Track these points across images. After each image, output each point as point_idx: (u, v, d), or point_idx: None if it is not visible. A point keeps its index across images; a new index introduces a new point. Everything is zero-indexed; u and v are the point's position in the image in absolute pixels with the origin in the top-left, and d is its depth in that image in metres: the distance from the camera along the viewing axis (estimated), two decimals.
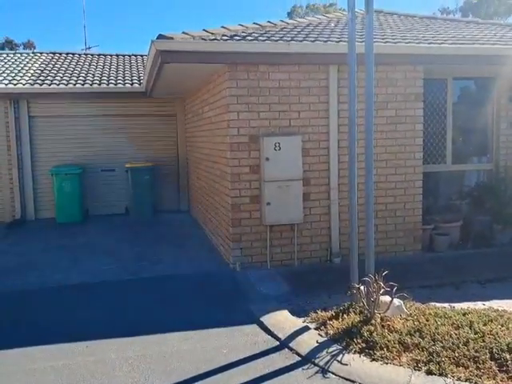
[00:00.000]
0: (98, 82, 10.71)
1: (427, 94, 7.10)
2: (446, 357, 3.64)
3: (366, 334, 4.00)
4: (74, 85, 10.40)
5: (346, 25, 7.90)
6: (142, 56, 13.88)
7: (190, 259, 6.99)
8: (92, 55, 14.17)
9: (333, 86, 6.35)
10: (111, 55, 14.05)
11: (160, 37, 5.99)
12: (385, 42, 6.47)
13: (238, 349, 4.12)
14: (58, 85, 10.33)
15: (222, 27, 6.82)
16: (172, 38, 5.94)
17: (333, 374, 3.64)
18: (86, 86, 10.41)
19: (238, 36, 6.40)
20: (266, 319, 4.59)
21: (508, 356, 3.60)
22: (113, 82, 10.79)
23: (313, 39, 6.46)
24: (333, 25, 8.09)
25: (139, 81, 10.92)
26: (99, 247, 7.91)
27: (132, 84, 10.76)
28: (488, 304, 4.90)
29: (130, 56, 14.08)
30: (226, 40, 6.15)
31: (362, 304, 4.40)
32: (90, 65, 12.45)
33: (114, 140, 10.91)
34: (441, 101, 7.49)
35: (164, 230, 9.21)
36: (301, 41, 6.32)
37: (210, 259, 6.97)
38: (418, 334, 3.98)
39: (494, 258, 6.64)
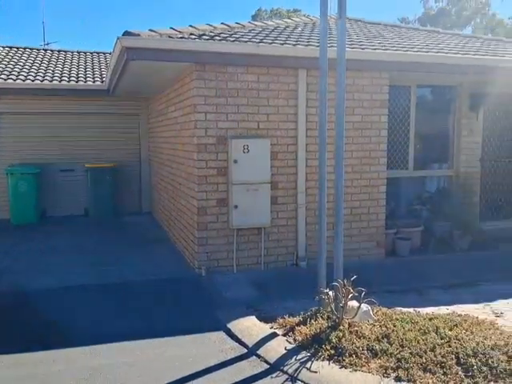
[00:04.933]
0: (58, 78, 10.31)
1: (392, 100, 7.21)
2: (414, 363, 3.65)
3: (334, 341, 3.97)
4: (33, 81, 9.97)
5: (313, 29, 8.00)
6: (104, 54, 13.52)
7: (153, 264, 6.79)
8: (52, 51, 13.65)
9: (302, 90, 6.33)
10: (72, 52, 13.60)
11: (126, 33, 5.81)
12: (352, 48, 6.51)
13: (204, 357, 4.00)
14: (15, 80, 9.87)
15: (190, 26, 6.70)
16: (138, 35, 5.78)
17: (302, 382, 3.58)
18: (46, 82, 10.00)
19: (207, 36, 6.30)
20: (233, 326, 4.50)
21: (473, 361, 3.65)
22: (74, 78, 10.42)
23: (282, 42, 6.43)
24: (300, 29, 8.10)
25: (101, 78, 10.60)
26: (53, 251, 7.55)
27: (94, 81, 10.43)
28: (451, 308, 4.98)
29: (91, 53, 13.66)
30: (194, 39, 6.04)
31: (329, 309, 4.37)
32: (49, 61, 12.00)
33: (74, 139, 10.55)
34: (404, 108, 7.63)
35: (125, 233, 8.95)
36: (270, 43, 6.28)
37: (175, 264, 6.80)
38: (385, 339, 3.98)
39: (454, 263, 6.79)
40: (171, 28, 6.41)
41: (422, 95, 7.99)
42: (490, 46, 8.45)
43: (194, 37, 6.18)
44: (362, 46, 6.77)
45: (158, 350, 4.15)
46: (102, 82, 10.29)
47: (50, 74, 10.50)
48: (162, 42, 5.78)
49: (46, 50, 13.75)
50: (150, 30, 6.10)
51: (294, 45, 6.35)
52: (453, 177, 7.99)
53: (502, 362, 3.66)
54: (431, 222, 7.68)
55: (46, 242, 8.20)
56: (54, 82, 10.06)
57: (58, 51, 13.58)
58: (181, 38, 6.05)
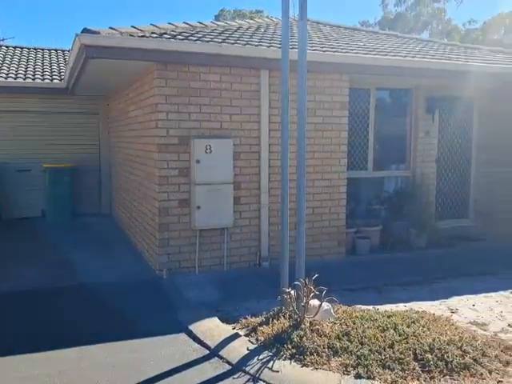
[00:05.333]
0: (13, 75, 9.96)
1: (352, 102, 7.35)
2: (374, 360, 3.73)
3: (296, 340, 4.00)
4: None
5: (276, 30, 8.05)
6: (62, 51, 13.15)
7: (113, 266, 6.65)
8: (7, 47, 13.16)
9: (264, 91, 6.36)
10: (29, 48, 13.14)
11: (85, 31, 5.68)
12: (313, 50, 6.59)
13: (165, 360, 3.96)
14: None
15: (152, 25, 6.62)
16: (98, 33, 5.66)
17: (264, 381, 3.59)
18: (1, 79, 9.63)
19: (168, 35, 6.25)
20: (195, 327, 4.47)
21: (430, 356, 3.77)
22: (30, 76, 10.08)
23: (244, 42, 6.44)
24: (262, 30, 8.14)
25: (60, 77, 10.31)
26: (10, 254, 7.30)
27: (52, 79, 10.12)
28: (409, 306, 5.12)
29: (49, 50, 13.24)
30: (156, 38, 5.98)
31: (291, 308, 4.41)
32: (4, 57, 11.56)
33: (31, 138, 10.19)
34: (364, 110, 7.80)
35: (84, 235, 8.74)
36: (232, 43, 6.28)
37: (135, 266, 6.69)
38: (346, 337, 4.05)
39: (411, 261, 6.98)
40: (132, 26, 6.31)
41: (381, 98, 8.18)
42: (445, 50, 8.74)
43: (155, 35, 6.11)
44: (323, 49, 6.86)
45: (119, 353, 4.07)
46: (61, 79, 10.01)
47: (5, 71, 10.12)
48: (122, 40, 5.67)
49: (0, 46, 13.25)
50: (111, 28, 5.98)
51: (257, 45, 6.37)
52: (410, 177, 8.22)
53: (456, 356, 3.79)
54: (390, 221, 7.87)
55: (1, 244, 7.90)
56: (9, 79, 9.70)
57: (14, 47, 13.08)
58: (142, 36, 5.96)
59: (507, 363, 3.88)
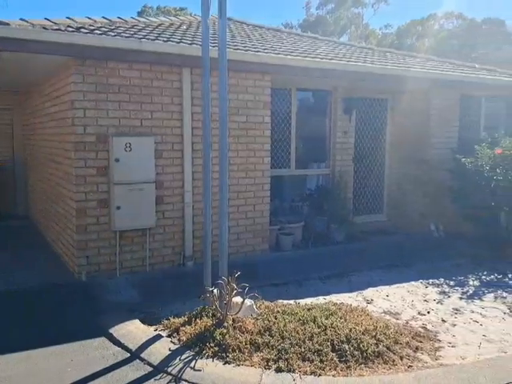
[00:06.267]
0: None
1: (274, 102, 7.50)
2: (294, 353, 3.84)
3: (218, 338, 4.02)
4: None
5: (199, 28, 8.00)
6: None
7: (29, 270, 6.28)
8: None
9: (186, 89, 6.30)
10: None
11: None
12: (235, 49, 6.64)
13: (84, 365, 3.82)
14: None
15: (68, 18, 6.35)
16: (8, 24, 5.32)
17: (186, 381, 3.58)
18: None
19: (86, 29, 6.01)
20: (116, 330, 4.35)
21: (347, 346, 3.95)
22: None
23: (165, 39, 6.34)
24: (185, 27, 8.07)
25: None
26: None
27: None
28: (328, 298, 5.33)
29: None
30: (72, 32, 5.72)
31: (214, 307, 4.42)
32: None
33: None
34: (286, 110, 7.98)
35: None
36: (153, 40, 6.16)
37: (53, 269, 6.37)
38: (267, 332, 4.14)
39: (331, 255, 7.23)
40: (46, 19, 6.01)
41: (302, 98, 8.41)
42: (361, 53, 9.16)
43: (71, 29, 5.84)
44: (246, 48, 6.93)
45: (35, 361, 3.87)
46: None
47: None
48: (34, 33, 5.36)
49: None
50: (22, 20, 5.66)
51: (178, 42, 6.30)
52: (330, 175, 8.54)
53: (371, 345, 4.00)
54: (312, 217, 8.13)
55: None
56: None
57: None
58: (56, 29, 5.68)
59: (417, 349, 4.16)
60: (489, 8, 55.70)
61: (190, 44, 6.32)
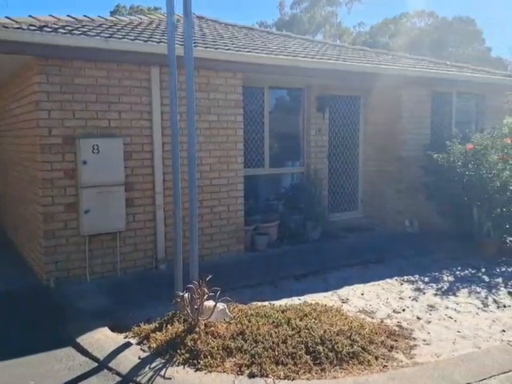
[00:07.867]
0: None
1: (247, 101, 7.40)
2: (267, 357, 3.75)
3: (189, 344, 3.91)
4: None
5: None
6: None
7: None
8: None
9: (155, 88, 6.16)
10: None
11: None
12: (206, 47, 6.52)
13: (48, 377, 3.66)
14: None
15: (30, 16, 6.13)
16: None
17: None
18: None
19: (49, 28, 5.80)
20: (83, 339, 4.19)
21: (321, 348, 3.87)
22: None
23: (133, 38, 6.18)
24: (154, 26, 7.90)
25: None
26: None
27: None
28: (303, 298, 5.26)
29: None
30: (34, 30, 5.51)
31: (186, 312, 4.30)
32: None
33: None
34: (259, 108, 7.90)
35: None
36: (120, 38, 5.99)
37: (20, 276, 6.16)
38: (240, 336, 4.03)
39: (307, 253, 7.17)
40: (7, 17, 5.78)
41: (275, 97, 8.34)
42: (334, 50, 9.13)
43: (33, 28, 5.63)
44: (216, 46, 6.81)
45: None
46: None
47: None
48: None
49: None
50: None
51: (146, 41, 6.15)
52: (305, 173, 8.49)
53: (345, 346, 3.94)
54: (287, 215, 8.06)
55: None
56: None
57: None
58: (18, 28, 5.47)
59: (392, 348, 4.12)
60: (457, 5, 56.73)
61: (158, 42, 6.18)
